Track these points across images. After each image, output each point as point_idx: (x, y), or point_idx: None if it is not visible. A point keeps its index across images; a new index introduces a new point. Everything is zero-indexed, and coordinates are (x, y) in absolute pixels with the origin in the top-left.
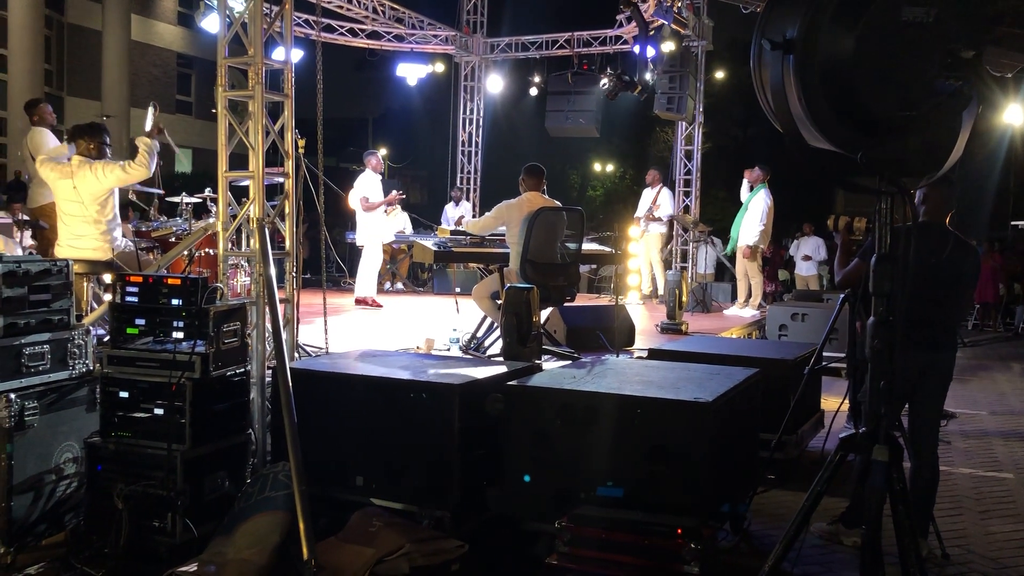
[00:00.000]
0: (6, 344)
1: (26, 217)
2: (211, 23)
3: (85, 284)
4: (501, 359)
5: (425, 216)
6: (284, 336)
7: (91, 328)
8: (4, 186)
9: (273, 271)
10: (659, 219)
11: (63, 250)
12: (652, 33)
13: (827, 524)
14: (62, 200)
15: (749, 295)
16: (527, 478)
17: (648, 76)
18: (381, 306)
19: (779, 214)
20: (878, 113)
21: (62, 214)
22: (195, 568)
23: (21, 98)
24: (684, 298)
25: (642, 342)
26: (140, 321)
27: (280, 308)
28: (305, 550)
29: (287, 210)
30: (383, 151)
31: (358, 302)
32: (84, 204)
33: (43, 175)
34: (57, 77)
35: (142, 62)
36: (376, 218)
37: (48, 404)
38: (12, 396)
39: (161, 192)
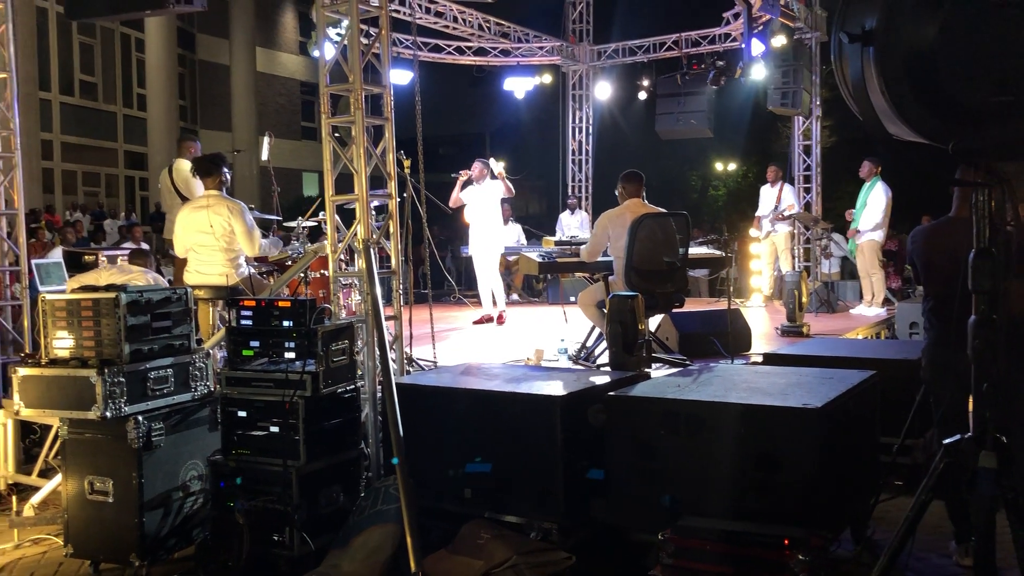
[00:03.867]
0: (132, 369)
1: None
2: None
3: (211, 308)
4: (609, 368)
5: (542, 226)
6: (392, 352)
7: (210, 351)
8: (148, 217)
9: (379, 290)
10: (788, 218)
11: (191, 276)
12: (760, 28)
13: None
14: (194, 231)
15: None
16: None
17: (759, 71)
18: (491, 320)
19: (903, 207)
20: (968, 102)
21: (193, 243)
22: None
23: (161, 134)
24: (804, 299)
25: (760, 346)
26: (255, 343)
27: (389, 325)
28: (412, 562)
29: (392, 230)
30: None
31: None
32: (215, 235)
33: (182, 210)
34: (191, 112)
35: (268, 92)
36: (475, 230)
37: (173, 425)
38: (140, 418)
39: (279, 218)
